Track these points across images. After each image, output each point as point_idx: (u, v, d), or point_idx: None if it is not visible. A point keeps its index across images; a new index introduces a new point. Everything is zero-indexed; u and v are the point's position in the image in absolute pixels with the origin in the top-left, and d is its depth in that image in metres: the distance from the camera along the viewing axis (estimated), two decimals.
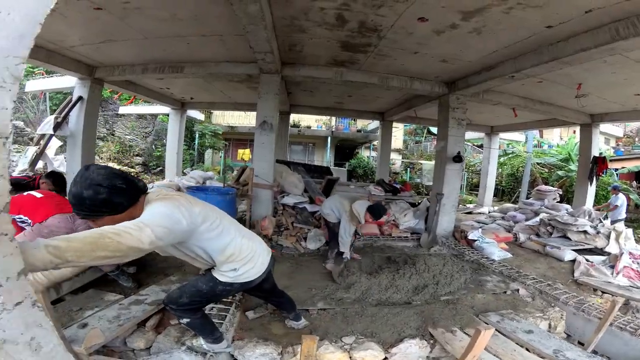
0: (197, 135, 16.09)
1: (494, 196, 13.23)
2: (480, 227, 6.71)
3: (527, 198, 9.78)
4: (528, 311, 3.74)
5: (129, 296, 3.07)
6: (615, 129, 20.10)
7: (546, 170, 15.54)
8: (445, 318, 3.40)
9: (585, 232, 5.93)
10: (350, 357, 2.77)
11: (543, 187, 8.59)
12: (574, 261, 5.24)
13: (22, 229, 3.10)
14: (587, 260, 5.11)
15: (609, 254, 5.46)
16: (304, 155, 20.80)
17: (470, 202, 13.52)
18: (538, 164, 15.55)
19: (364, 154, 21.16)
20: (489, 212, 9.74)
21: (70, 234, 1.45)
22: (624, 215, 8.36)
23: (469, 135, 13.35)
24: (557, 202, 7.92)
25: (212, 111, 18.04)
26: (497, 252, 5.48)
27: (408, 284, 4.14)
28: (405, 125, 20.27)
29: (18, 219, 3.08)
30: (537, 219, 6.96)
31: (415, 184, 16.35)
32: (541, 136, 21.02)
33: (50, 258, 1.24)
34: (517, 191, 14.60)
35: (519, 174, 15.29)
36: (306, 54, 5.50)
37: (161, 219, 1.68)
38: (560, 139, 20.48)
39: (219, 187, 5.99)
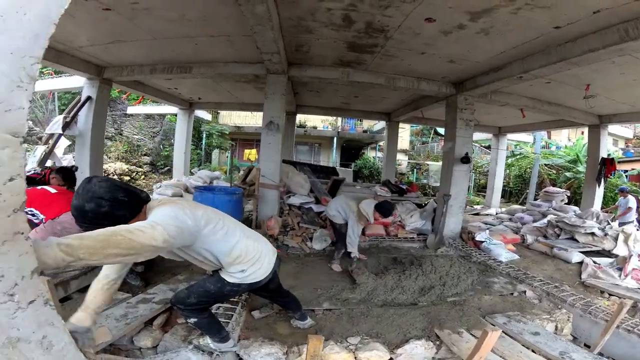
0: (204, 135, 16.16)
1: (501, 197, 13.12)
2: (488, 229, 6.66)
3: (535, 199, 9.70)
4: (535, 313, 3.72)
5: (137, 295, 3.09)
6: (624, 130, 19.80)
7: (554, 171, 15.39)
8: (452, 319, 3.38)
9: (592, 234, 5.88)
10: (355, 358, 2.77)
11: (551, 188, 8.52)
12: (581, 263, 5.19)
13: (29, 222, 3.10)
14: (594, 262, 5.06)
15: (616, 256, 5.40)
16: (309, 155, 20.82)
17: (478, 204, 13.43)
18: (546, 165, 15.40)
19: (370, 154, 21.12)
20: (497, 214, 9.67)
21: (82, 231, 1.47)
22: (633, 218, 8.24)
23: (477, 136, 13.26)
24: (565, 203, 7.85)
25: (219, 111, 18.11)
26: (504, 253, 5.44)
27: (414, 285, 4.13)
28: (411, 126, 20.17)
29: (28, 212, 3.06)
30: (545, 220, 6.90)
31: (421, 185, 16.29)
32: (549, 137, 20.82)
33: (62, 256, 1.25)
34: (525, 192, 14.47)
35: (526, 176, 15.16)
36: (313, 55, 5.51)
37: (170, 219, 1.71)
38: (569, 140, 20.26)
39: (226, 187, 6.02)
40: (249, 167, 6.96)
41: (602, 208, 8.38)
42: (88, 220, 1.59)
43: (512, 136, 13.96)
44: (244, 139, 19.76)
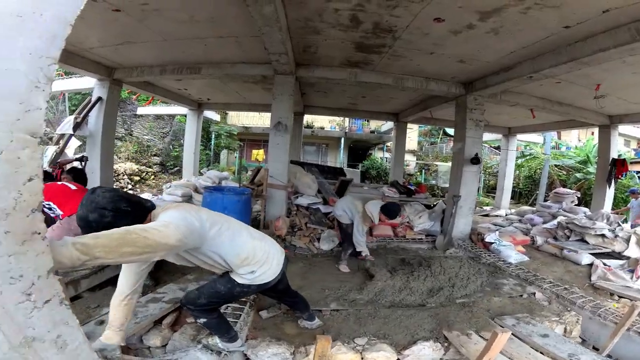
0: (213, 136, 16.26)
1: (511, 198, 12.99)
2: (497, 230, 6.61)
3: (545, 201, 9.58)
4: (544, 315, 3.68)
5: (147, 294, 3.11)
6: (637, 130, 19.48)
7: (564, 172, 15.20)
8: (461, 321, 3.35)
9: (603, 235, 5.81)
10: (362, 358, 2.75)
11: (561, 189, 8.42)
12: (591, 265, 5.13)
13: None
14: (604, 264, 5.00)
15: (628, 258, 5.32)
16: (317, 156, 20.84)
17: (487, 205, 13.31)
18: (556, 166, 15.21)
19: (377, 155, 21.08)
20: (506, 215, 9.57)
21: None
22: None
23: (486, 136, 13.16)
24: (575, 205, 7.75)
25: (227, 112, 18.21)
26: (514, 255, 5.40)
27: (423, 286, 4.10)
28: (420, 127, 20.08)
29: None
30: (555, 222, 6.82)
31: (430, 186, 16.19)
32: (559, 138, 20.54)
33: (78, 255, 1.26)
34: (535, 194, 14.32)
35: (536, 176, 14.99)
36: (320, 55, 5.51)
37: (180, 220, 1.74)
38: (579, 141, 19.97)
39: (235, 187, 6.05)
40: (257, 168, 6.98)
41: (612, 209, 8.26)
42: (92, 230, 1.60)
43: (522, 137, 13.82)
44: (251, 139, 19.85)
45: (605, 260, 5.15)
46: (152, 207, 1.87)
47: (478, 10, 3.60)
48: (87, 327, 2.44)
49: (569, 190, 8.47)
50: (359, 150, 21.36)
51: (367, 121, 19.60)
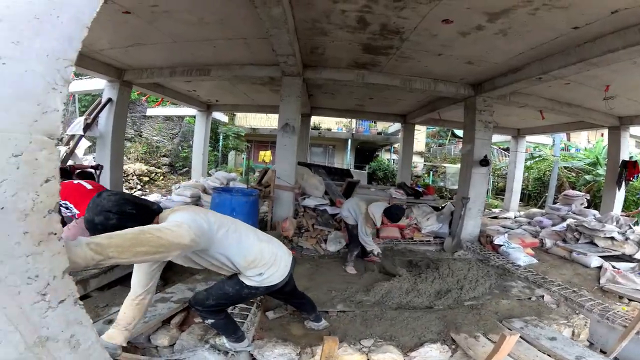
0: (221, 137, 16.35)
1: (520, 201, 12.87)
2: (506, 232, 6.57)
3: (554, 203, 9.48)
4: (552, 318, 3.65)
5: (155, 294, 3.13)
6: None
7: (573, 174, 15.00)
8: (469, 323, 3.34)
9: (612, 238, 5.75)
10: None
11: (570, 192, 8.33)
12: (600, 268, 5.08)
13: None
14: (613, 267, 4.95)
15: (638, 260, 5.27)
16: (324, 157, 20.85)
17: (496, 207, 13.19)
18: (565, 168, 15.02)
19: (384, 156, 21.03)
20: (515, 217, 9.50)
21: None
22: None
23: (495, 138, 13.04)
24: (585, 207, 7.66)
25: (235, 113, 18.32)
26: (522, 257, 5.37)
27: (430, 288, 4.09)
28: (427, 128, 19.99)
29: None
30: (564, 224, 6.75)
31: (438, 188, 16.10)
32: (568, 139, 20.28)
33: (92, 255, 1.28)
34: (544, 196, 14.15)
35: (545, 178, 14.82)
36: (327, 57, 5.52)
37: (190, 221, 1.76)
38: (588, 142, 19.70)
39: (243, 189, 6.08)
40: (264, 169, 7.01)
41: (623, 212, 8.14)
42: (98, 232, 1.61)
43: (531, 138, 13.65)
44: (259, 140, 19.95)
45: (614, 263, 5.11)
46: (159, 209, 1.89)
47: (486, 11, 3.59)
48: (96, 326, 2.43)
49: (578, 192, 8.38)
50: (365, 151, 21.34)
51: (374, 123, 19.58)
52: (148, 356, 2.57)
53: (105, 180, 6.50)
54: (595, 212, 7.31)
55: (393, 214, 4.56)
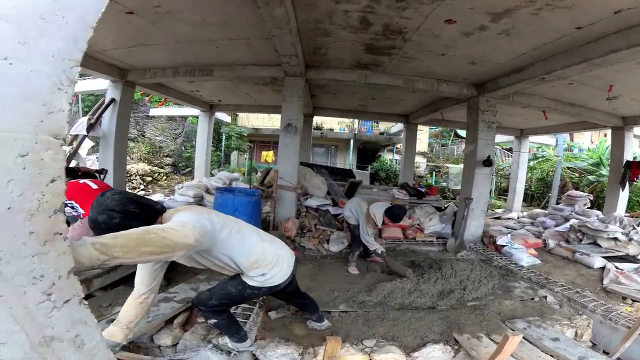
0: (223, 137, 16.38)
1: (523, 201, 12.81)
2: (509, 233, 6.56)
3: (557, 203, 9.45)
4: (555, 318, 3.65)
5: (159, 293, 3.14)
6: None
7: (576, 174, 14.93)
8: (472, 324, 3.34)
9: (616, 239, 5.73)
10: None
11: (573, 192, 8.30)
12: (603, 268, 5.06)
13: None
14: (617, 267, 4.94)
15: None
16: (326, 157, 20.84)
17: (499, 207, 13.16)
18: (568, 168, 14.96)
19: (387, 156, 20.98)
20: (518, 218, 9.48)
21: None
22: None
23: (498, 138, 12.94)
24: (588, 207, 7.63)
25: (237, 113, 18.34)
26: (525, 258, 5.37)
27: (433, 289, 4.08)
28: (430, 128, 19.95)
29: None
30: (567, 225, 6.73)
31: (441, 188, 16.07)
32: (571, 139, 20.23)
33: (97, 255, 1.28)
34: (547, 196, 14.08)
35: (548, 179, 14.75)
36: (330, 57, 5.52)
37: (194, 221, 1.77)
38: (591, 143, 19.64)
39: (245, 189, 6.08)
40: (266, 169, 7.02)
41: (627, 212, 8.10)
42: (101, 231, 1.63)
43: (534, 138, 13.61)
44: (261, 140, 19.97)
45: (618, 264, 5.09)
46: (162, 209, 1.89)
47: (489, 11, 3.58)
48: (99, 325, 2.47)
49: (581, 192, 8.35)
50: (368, 152, 21.32)
51: (377, 123, 19.54)
52: (151, 356, 2.58)
53: (108, 180, 6.52)
54: (599, 212, 7.28)
55: (394, 214, 4.52)
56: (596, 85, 5.60)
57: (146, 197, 2.27)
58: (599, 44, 3.91)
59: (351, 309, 3.55)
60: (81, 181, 3.39)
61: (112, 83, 6.85)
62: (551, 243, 6.29)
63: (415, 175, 15.76)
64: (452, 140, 22.08)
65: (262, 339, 2.79)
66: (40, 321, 1.06)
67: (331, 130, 19.37)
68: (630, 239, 5.72)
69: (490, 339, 3.08)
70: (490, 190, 14.38)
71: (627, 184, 7.88)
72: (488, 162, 6.27)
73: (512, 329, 3.30)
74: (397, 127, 17.14)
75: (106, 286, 3.28)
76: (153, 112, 13.95)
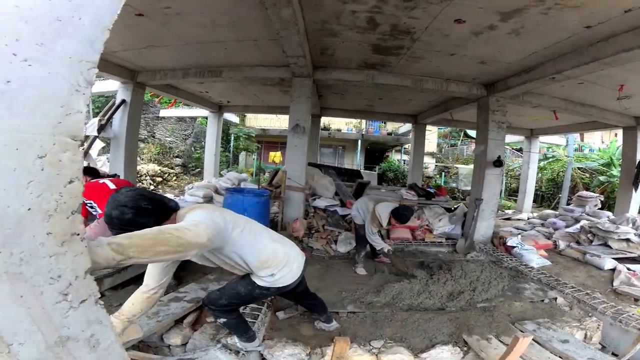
0: (232, 138, 16.46)
1: (533, 202, 12.68)
2: (520, 234, 6.50)
3: (568, 204, 9.33)
4: (565, 320, 3.62)
5: (169, 293, 3.16)
6: None
7: (587, 175, 14.71)
8: (481, 325, 3.32)
9: (627, 240, 5.66)
10: None
11: (584, 193, 8.19)
12: (614, 270, 5.00)
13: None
14: (628, 269, 4.87)
15: None
16: (333, 158, 20.82)
17: (509, 208, 13.03)
18: (579, 168, 14.74)
19: (395, 157, 20.91)
20: (528, 219, 9.39)
21: None
22: None
23: (508, 138, 12.81)
24: (599, 208, 7.53)
25: (245, 114, 18.42)
26: (536, 259, 5.32)
27: (442, 290, 4.06)
28: (439, 128, 19.82)
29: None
30: (578, 226, 6.66)
31: (450, 189, 15.96)
32: (582, 139, 19.94)
33: (113, 255, 1.30)
34: (557, 197, 13.91)
35: (559, 179, 14.56)
36: (337, 58, 5.53)
37: (207, 220, 1.78)
38: (602, 143, 19.33)
39: (254, 189, 6.12)
40: (274, 170, 7.05)
41: (638, 213, 7.97)
42: (115, 226, 1.66)
43: (544, 138, 13.44)
44: (268, 141, 20.01)
45: (629, 265, 5.03)
46: (176, 206, 1.90)
47: (499, 11, 3.55)
48: None
49: (592, 193, 8.24)
50: (375, 152, 21.24)
51: (384, 123, 19.49)
52: (160, 355, 2.60)
53: None
54: (609, 213, 7.19)
55: (401, 214, 4.42)
56: (607, 85, 5.53)
57: (160, 194, 2.29)
58: (609, 43, 3.86)
59: (359, 310, 3.55)
60: (101, 181, 3.43)
61: (122, 84, 6.92)
62: (561, 244, 6.24)
63: (424, 175, 15.66)
64: (462, 140, 21.90)
65: (269, 339, 2.80)
66: (56, 321, 1.07)
67: (339, 130, 19.36)
68: None
69: (500, 340, 3.05)
70: (500, 191, 14.24)
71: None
72: (498, 163, 6.22)
73: (522, 331, 3.27)
74: (405, 127, 17.08)
75: (117, 286, 3.32)
76: (163, 113, 14.06)
